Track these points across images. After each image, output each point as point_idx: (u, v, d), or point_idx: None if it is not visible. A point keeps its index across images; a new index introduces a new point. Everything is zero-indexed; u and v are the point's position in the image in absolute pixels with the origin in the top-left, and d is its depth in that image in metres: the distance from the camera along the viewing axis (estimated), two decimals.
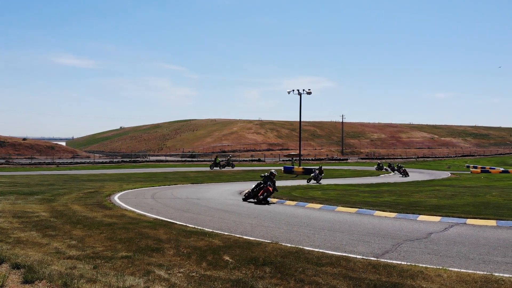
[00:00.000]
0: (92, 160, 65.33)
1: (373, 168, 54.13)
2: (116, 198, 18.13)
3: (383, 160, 71.86)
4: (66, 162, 58.35)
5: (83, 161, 63.53)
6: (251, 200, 18.03)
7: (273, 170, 18.55)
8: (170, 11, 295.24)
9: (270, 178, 18.07)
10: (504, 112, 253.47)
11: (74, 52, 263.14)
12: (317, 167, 35.61)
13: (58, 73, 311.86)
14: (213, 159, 53.84)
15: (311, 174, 32.43)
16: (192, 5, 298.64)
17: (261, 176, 18.27)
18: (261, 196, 17.27)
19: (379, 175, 43.78)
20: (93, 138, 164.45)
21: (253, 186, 18.31)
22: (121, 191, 21.34)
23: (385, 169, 50.47)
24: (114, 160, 67.74)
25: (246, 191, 19.45)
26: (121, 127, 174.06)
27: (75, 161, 62.79)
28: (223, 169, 48.61)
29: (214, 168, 48.83)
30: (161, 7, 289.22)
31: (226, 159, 52.77)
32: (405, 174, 41.68)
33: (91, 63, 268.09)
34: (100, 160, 66.42)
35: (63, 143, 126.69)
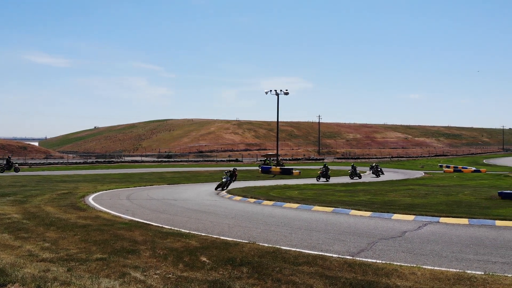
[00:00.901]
0: (66, 161, 64.10)
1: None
2: (90, 199, 17.86)
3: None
4: (39, 163, 57.07)
5: (56, 161, 62.23)
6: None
7: None
8: (146, 10, 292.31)
9: None
10: (476, 113, 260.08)
11: (47, 50, 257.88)
12: (231, 168, 28.94)
13: (31, 71, 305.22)
14: (264, 159, 56.65)
15: (223, 179, 24.23)
16: (168, 4, 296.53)
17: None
18: None
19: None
20: (66, 138, 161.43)
21: None
22: (96, 192, 21.03)
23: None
24: (88, 160, 66.64)
25: None
26: (95, 127, 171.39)
27: (48, 161, 61.46)
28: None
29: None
30: (137, 5, 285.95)
31: (279, 160, 55.67)
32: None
33: (65, 61, 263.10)
34: (74, 161, 65.25)
35: (36, 143, 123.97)
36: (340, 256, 7.91)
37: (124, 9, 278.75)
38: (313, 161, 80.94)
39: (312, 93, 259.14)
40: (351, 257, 7.83)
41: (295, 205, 16.14)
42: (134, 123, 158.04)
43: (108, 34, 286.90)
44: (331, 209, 15.03)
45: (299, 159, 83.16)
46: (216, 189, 23.59)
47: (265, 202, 17.35)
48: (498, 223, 11.89)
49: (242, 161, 75.34)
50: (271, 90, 49.34)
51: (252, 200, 18.12)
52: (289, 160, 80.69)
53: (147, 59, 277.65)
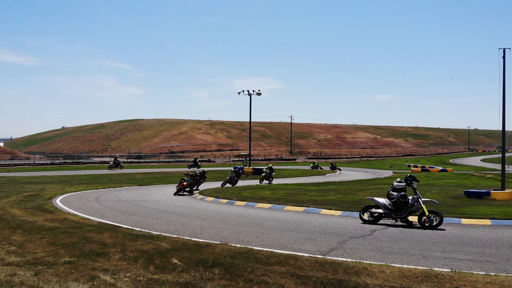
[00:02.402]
0: (32, 162, 62.39)
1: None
2: (58, 201, 17.48)
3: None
4: (4, 164, 55.36)
5: (22, 162, 60.50)
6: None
7: None
8: (115, 7, 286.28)
9: None
10: (443, 114, 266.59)
11: (13, 48, 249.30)
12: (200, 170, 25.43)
13: None
14: (314, 162, 59.29)
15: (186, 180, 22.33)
16: (138, 2, 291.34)
17: None
18: None
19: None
20: (33, 138, 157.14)
21: None
22: (64, 194, 20.58)
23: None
24: (56, 161, 65.03)
25: None
26: (63, 127, 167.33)
27: (13, 162, 59.68)
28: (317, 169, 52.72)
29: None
30: (105, 3, 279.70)
31: (332, 163, 56.73)
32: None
33: (31, 60, 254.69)
34: (41, 162, 63.55)
35: (1, 144, 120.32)
36: (311, 255, 7.98)
37: (92, 7, 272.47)
38: (285, 161, 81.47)
39: (284, 94, 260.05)
40: (322, 256, 7.92)
41: (268, 205, 16.21)
42: (103, 123, 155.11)
43: (76, 31, 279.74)
44: (302, 208, 15.17)
45: (271, 159, 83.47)
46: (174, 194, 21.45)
47: (238, 202, 17.36)
48: (464, 221, 12.26)
49: (214, 161, 75.09)
50: (243, 91, 49.34)
51: (225, 200, 18.09)
52: (262, 160, 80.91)
53: (117, 57, 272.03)
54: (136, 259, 7.42)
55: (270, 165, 34.61)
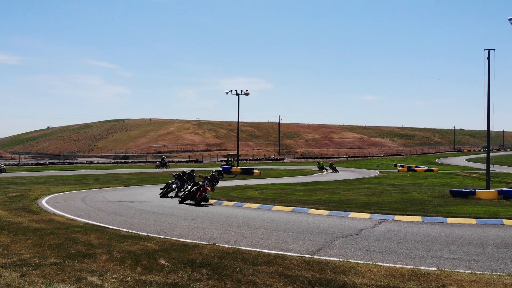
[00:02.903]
0: (17, 162, 61.61)
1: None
2: (43, 202, 17.28)
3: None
4: None
5: (7, 163, 59.66)
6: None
7: None
8: (101, 6, 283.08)
9: None
10: (428, 114, 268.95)
11: None
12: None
13: None
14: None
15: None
16: (124, 1, 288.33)
17: None
18: None
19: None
20: (18, 138, 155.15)
21: None
22: (49, 194, 20.35)
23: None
24: (41, 161, 64.28)
25: None
26: (48, 127, 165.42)
27: None
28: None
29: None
30: (91, 1, 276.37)
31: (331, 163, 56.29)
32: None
33: (15, 59, 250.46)
34: (26, 162, 62.77)
35: None
36: (299, 255, 8.01)
37: (78, 5, 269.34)
38: (274, 161, 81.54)
39: (272, 94, 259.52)
40: (310, 256, 7.95)
41: (256, 205, 16.22)
42: (89, 123, 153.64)
43: (62, 31, 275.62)
44: (290, 208, 15.21)
45: (259, 159, 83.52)
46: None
47: (226, 202, 17.34)
48: (450, 220, 12.41)
49: (202, 161, 74.84)
50: (231, 91, 49.21)
51: (213, 201, 18.05)
52: (250, 160, 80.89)
53: (103, 56, 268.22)
54: (123, 260, 7.38)
55: (220, 168, 32.66)
